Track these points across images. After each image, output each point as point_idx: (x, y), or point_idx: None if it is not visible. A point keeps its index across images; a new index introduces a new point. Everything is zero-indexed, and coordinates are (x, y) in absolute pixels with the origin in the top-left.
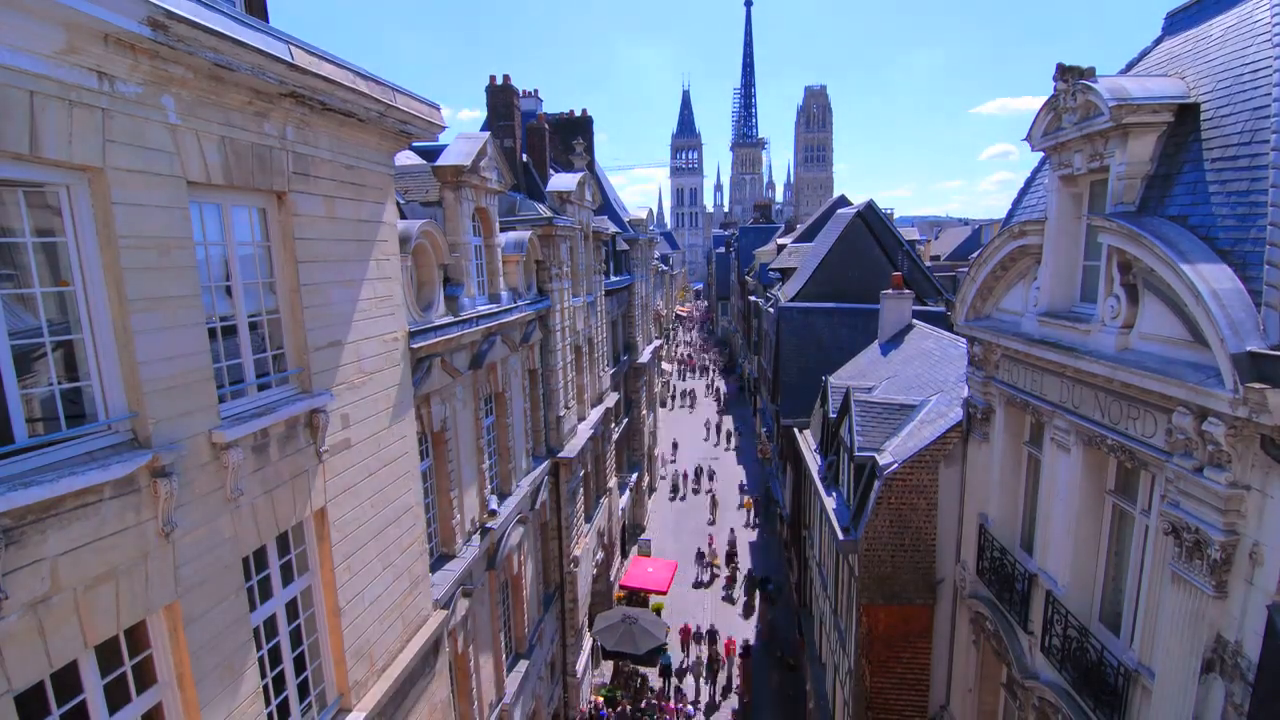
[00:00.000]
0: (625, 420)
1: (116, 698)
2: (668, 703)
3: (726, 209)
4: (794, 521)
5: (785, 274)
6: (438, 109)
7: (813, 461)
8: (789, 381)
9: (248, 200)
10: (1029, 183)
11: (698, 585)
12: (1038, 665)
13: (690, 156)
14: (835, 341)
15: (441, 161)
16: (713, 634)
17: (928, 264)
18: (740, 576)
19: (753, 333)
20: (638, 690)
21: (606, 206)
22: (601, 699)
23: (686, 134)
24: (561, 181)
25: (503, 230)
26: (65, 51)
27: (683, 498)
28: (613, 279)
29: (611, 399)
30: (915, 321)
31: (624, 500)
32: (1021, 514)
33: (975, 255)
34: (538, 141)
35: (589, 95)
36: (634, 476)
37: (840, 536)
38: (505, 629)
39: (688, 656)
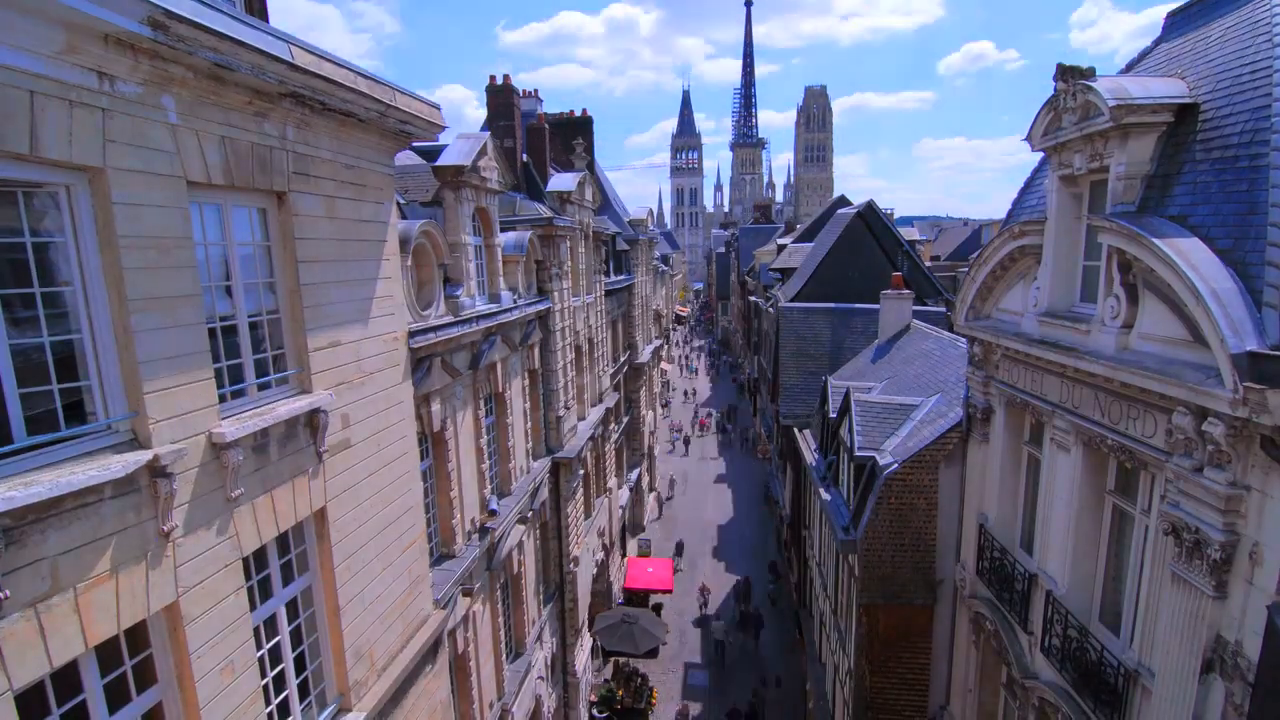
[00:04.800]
0: (625, 420)
1: (116, 698)
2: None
3: (726, 209)
4: (794, 521)
5: (785, 274)
6: (438, 109)
7: (813, 461)
8: (789, 381)
9: (248, 200)
10: (1029, 183)
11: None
12: (1037, 665)
13: (690, 156)
14: (835, 341)
15: (441, 161)
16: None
17: (928, 264)
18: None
19: (753, 333)
20: (638, 689)
21: (606, 206)
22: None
23: (686, 134)
24: (561, 181)
25: (503, 230)
26: (65, 51)
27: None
28: (613, 279)
29: (611, 399)
30: (915, 322)
31: (624, 499)
32: (1021, 514)
33: (975, 255)
34: (538, 141)
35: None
36: (634, 475)
37: (840, 536)
38: (505, 628)
39: None
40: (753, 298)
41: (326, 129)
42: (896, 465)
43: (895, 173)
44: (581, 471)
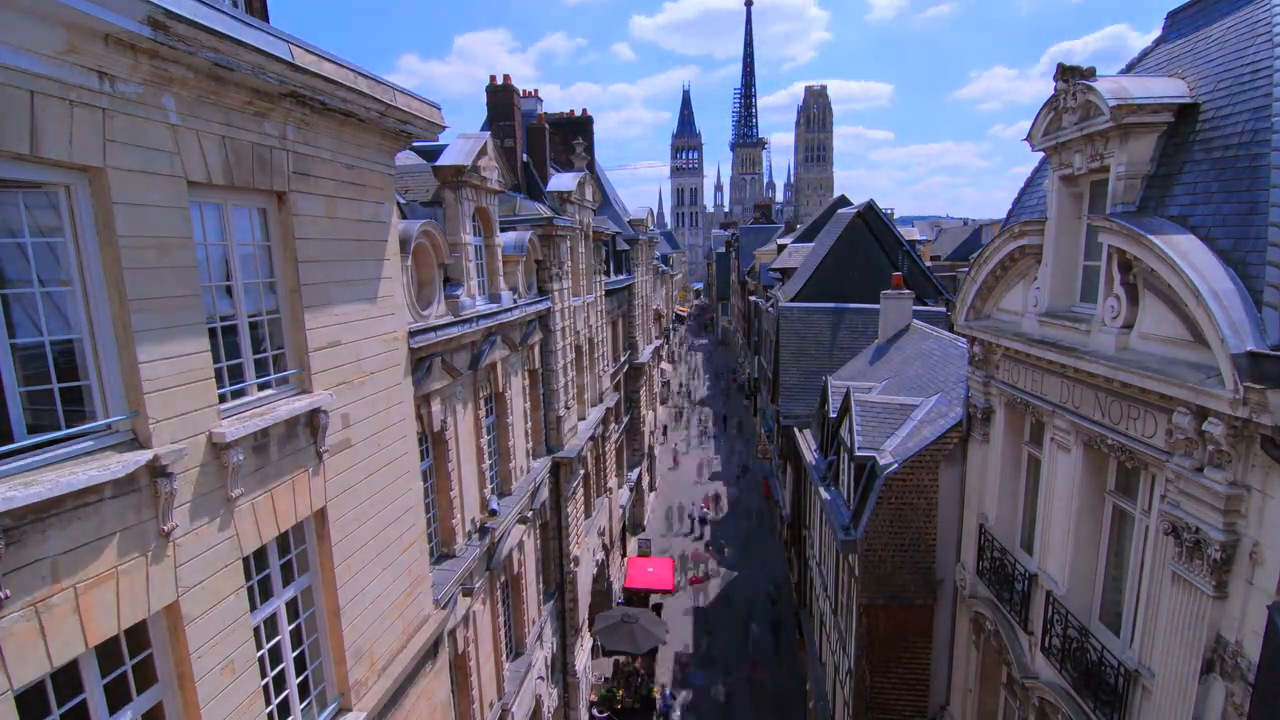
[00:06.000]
0: (626, 420)
1: (117, 697)
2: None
3: (726, 209)
4: (794, 521)
5: (785, 274)
6: (438, 109)
7: (813, 461)
8: (789, 381)
9: (248, 200)
10: (1029, 183)
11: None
12: (1038, 665)
13: (690, 156)
14: (835, 341)
15: (442, 161)
16: None
17: (928, 264)
18: None
19: (753, 333)
20: (637, 688)
21: (607, 206)
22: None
23: (687, 134)
24: (562, 181)
25: (503, 230)
26: (66, 51)
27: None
28: (613, 279)
29: (611, 399)
30: (915, 321)
31: (624, 499)
32: (1021, 514)
33: (975, 255)
34: (538, 141)
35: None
36: (634, 475)
37: (840, 536)
38: (505, 628)
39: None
40: (753, 298)
41: (327, 129)
42: (897, 465)
43: None
44: (582, 471)
